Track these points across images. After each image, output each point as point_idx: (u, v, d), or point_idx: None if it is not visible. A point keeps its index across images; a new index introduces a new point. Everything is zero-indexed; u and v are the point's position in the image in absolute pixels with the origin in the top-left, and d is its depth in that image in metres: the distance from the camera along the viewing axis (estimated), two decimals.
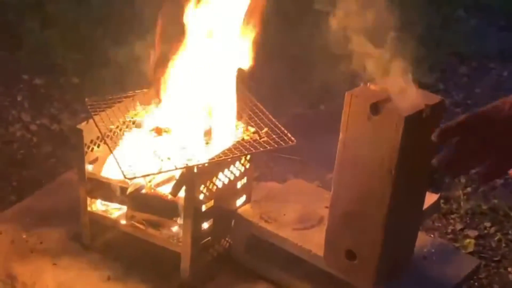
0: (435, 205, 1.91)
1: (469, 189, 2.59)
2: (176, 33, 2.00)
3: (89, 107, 2.02)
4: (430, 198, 1.83)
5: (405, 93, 1.54)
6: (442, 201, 2.37)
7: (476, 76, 3.62)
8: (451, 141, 1.41)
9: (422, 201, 1.74)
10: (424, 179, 1.61)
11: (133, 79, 2.12)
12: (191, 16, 1.96)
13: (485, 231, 2.41)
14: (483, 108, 1.39)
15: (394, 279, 1.74)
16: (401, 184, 1.59)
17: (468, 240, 2.35)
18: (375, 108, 1.55)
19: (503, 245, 2.34)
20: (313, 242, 1.86)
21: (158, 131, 2.00)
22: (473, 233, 2.39)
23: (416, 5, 3.84)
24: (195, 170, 1.83)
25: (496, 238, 2.37)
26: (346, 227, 1.71)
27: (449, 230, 2.41)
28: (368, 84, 1.60)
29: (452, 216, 2.47)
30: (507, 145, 1.35)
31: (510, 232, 2.40)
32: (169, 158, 1.87)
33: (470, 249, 2.31)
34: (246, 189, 2.07)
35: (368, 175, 1.60)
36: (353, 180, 1.66)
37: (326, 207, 1.95)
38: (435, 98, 1.58)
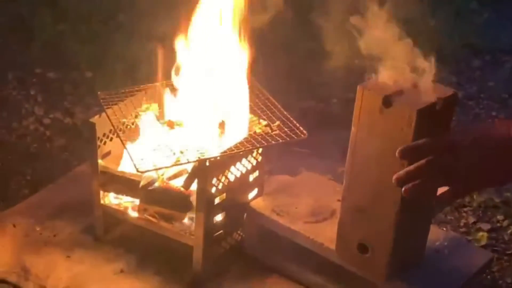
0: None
1: None
2: (186, 28, 2.00)
3: (101, 100, 2.03)
4: (442, 191, 1.83)
5: (418, 86, 1.54)
6: None
7: (489, 69, 3.59)
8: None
9: (434, 194, 1.73)
10: None
11: (146, 73, 2.12)
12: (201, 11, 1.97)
13: (498, 224, 2.40)
14: (450, 134, 1.50)
15: (406, 273, 1.74)
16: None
17: (481, 234, 2.34)
18: (388, 101, 1.55)
19: None
20: (325, 235, 1.86)
21: (171, 124, 2.01)
22: (485, 226, 2.38)
23: None
24: (207, 164, 1.83)
25: (509, 232, 2.36)
26: (358, 220, 1.71)
27: (462, 224, 2.40)
28: (381, 77, 1.59)
29: (465, 209, 2.46)
30: (465, 173, 1.43)
31: None
32: (181, 152, 1.88)
33: (483, 242, 2.30)
34: (258, 182, 2.07)
35: (381, 168, 1.60)
36: (365, 174, 1.66)
37: (339, 200, 1.95)
38: (447, 91, 1.58)
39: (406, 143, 1.51)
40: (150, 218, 1.99)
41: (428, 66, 1.53)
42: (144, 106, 2.10)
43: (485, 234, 2.34)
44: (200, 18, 1.99)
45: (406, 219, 1.64)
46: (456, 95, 1.61)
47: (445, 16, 3.78)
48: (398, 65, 1.56)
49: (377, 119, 1.58)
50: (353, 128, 1.65)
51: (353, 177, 1.70)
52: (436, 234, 1.92)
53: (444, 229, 2.31)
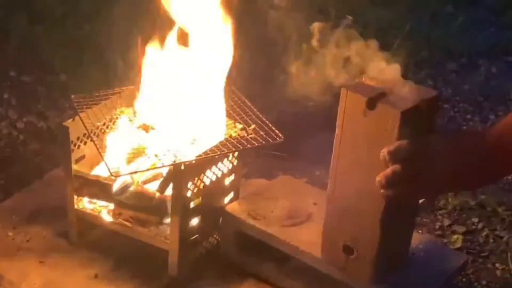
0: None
1: None
2: (161, 28, 1.99)
3: (75, 104, 2.01)
4: None
5: (400, 87, 1.55)
6: None
7: (465, 72, 3.62)
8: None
9: (415, 197, 1.74)
10: None
11: (120, 76, 2.10)
12: (174, 11, 1.96)
13: (473, 227, 2.41)
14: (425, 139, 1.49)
15: (391, 274, 1.74)
16: None
17: (456, 236, 2.35)
18: (371, 103, 1.55)
19: (491, 240, 2.35)
20: (301, 239, 1.86)
21: (145, 127, 1.99)
22: (461, 228, 2.39)
23: (403, 1, 3.85)
24: (182, 167, 1.82)
25: (483, 234, 2.37)
26: (343, 222, 1.72)
27: (437, 226, 2.41)
28: (363, 79, 1.60)
29: (440, 212, 2.47)
30: (436, 177, 1.46)
31: (498, 227, 2.40)
32: (156, 155, 1.87)
33: (458, 244, 2.31)
34: (234, 186, 2.06)
35: (365, 170, 1.60)
36: (350, 175, 1.66)
37: (315, 203, 1.95)
38: (430, 92, 1.59)
39: (390, 145, 1.52)
40: (125, 222, 1.97)
41: (394, 67, 1.55)
42: (119, 109, 2.08)
43: (460, 236, 2.35)
44: (177, 19, 1.97)
45: (391, 219, 1.64)
46: (439, 97, 1.62)
47: (420, 19, 3.81)
48: (379, 67, 1.56)
49: (361, 121, 1.58)
50: (337, 131, 1.65)
51: (337, 179, 1.70)
52: (413, 237, 1.92)
53: (420, 231, 2.32)
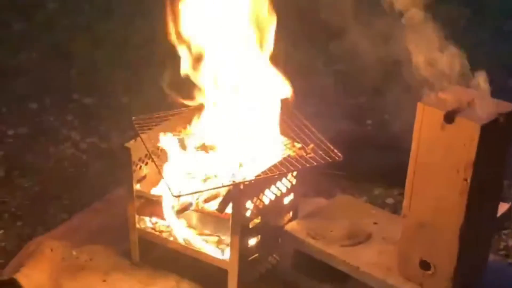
0: (507, 214, 1.88)
1: None
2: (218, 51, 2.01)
3: (136, 125, 2.05)
4: (502, 207, 1.81)
5: (478, 101, 1.54)
6: None
7: None
8: None
9: (495, 210, 1.72)
10: (497, 188, 1.60)
11: (181, 98, 2.13)
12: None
13: None
14: None
15: None
16: (476, 193, 1.57)
17: None
18: (449, 117, 1.54)
19: None
20: (361, 259, 1.84)
21: (204, 148, 2.01)
22: None
23: (463, 17, 3.80)
24: (242, 187, 1.83)
25: None
26: (420, 237, 1.70)
27: (502, 246, 2.35)
28: (439, 93, 1.59)
29: (505, 231, 2.41)
30: None
31: None
32: (216, 175, 1.88)
33: None
34: (293, 205, 2.06)
35: (442, 185, 1.59)
36: (427, 190, 1.65)
37: (375, 223, 1.94)
38: (509, 106, 1.57)
39: (469, 159, 1.50)
40: (185, 241, 1.99)
41: (483, 81, 1.54)
42: (179, 130, 2.11)
43: None
44: (231, 40, 2.00)
45: (469, 235, 1.62)
46: None
47: (481, 35, 3.75)
48: (454, 80, 1.56)
49: (438, 135, 1.57)
50: (413, 145, 1.64)
51: (414, 194, 1.68)
52: None
53: None
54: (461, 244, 1.63)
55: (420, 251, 1.71)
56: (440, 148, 1.58)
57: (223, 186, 1.85)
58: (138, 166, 2.05)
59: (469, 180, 1.54)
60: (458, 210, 1.57)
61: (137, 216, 2.05)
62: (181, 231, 2.00)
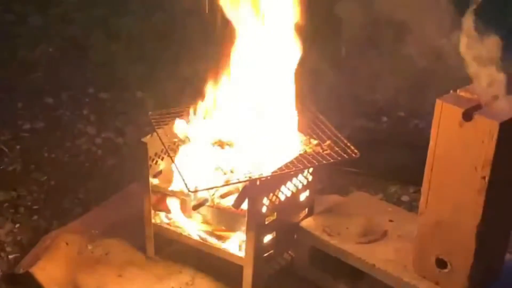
0: None
1: None
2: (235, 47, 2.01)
3: (152, 120, 2.05)
4: None
5: (496, 99, 1.53)
6: None
7: None
8: None
9: None
10: None
11: (196, 92, 2.13)
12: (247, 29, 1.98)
13: None
14: None
15: None
16: (494, 191, 1.57)
17: None
18: (468, 114, 1.54)
19: None
20: (377, 256, 1.84)
21: (221, 144, 2.01)
22: None
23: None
24: (258, 183, 1.83)
25: None
26: (436, 235, 1.70)
27: None
28: (458, 91, 1.59)
29: None
30: None
31: None
32: (232, 171, 1.88)
33: None
34: (308, 202, 2.05)
35: (460, 183, 1.58)
36: (444, 188, 1.64)
37: (391, 220, 1.93)
38: None
39: (488, 157, 1.50)
40: (201, 237, 1.99)
41: (502, 78, 1.53)
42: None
43: None
44: (249, 37, 1.99)
45: (486, 233, 1.62)
46: None
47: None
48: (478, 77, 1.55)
49: (456, 133, 1.57)
50: (431, 142, 1.64)
51: (431, 192, 1.68)
52: None
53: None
54: (478, 242, 1.62)
55: (437, 249, 1.70)
56: (458, 145, 1.57)
57: (239, 182, 1.85)
58: (154, 161, 2.05)
59: (487, 178, 1.53)
60: (475, 208, 1.56)
61: (152, 211, 2.06)
62: (196, 227, 2.00)
